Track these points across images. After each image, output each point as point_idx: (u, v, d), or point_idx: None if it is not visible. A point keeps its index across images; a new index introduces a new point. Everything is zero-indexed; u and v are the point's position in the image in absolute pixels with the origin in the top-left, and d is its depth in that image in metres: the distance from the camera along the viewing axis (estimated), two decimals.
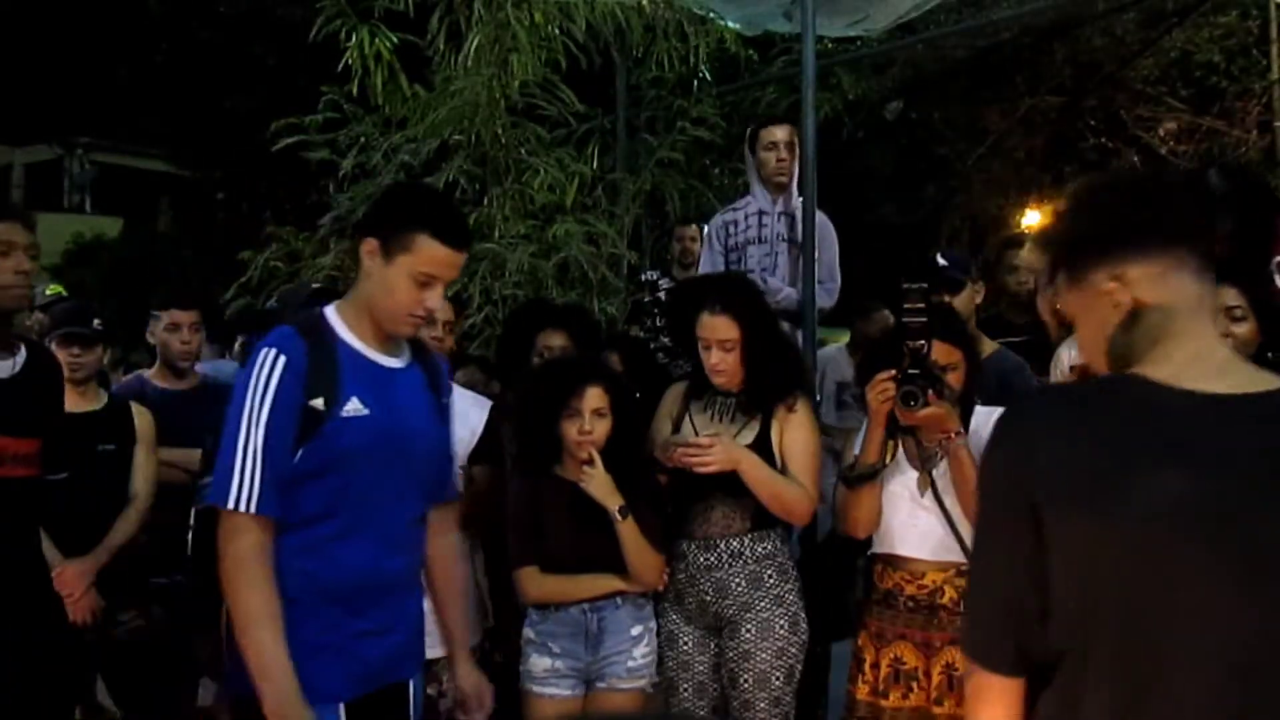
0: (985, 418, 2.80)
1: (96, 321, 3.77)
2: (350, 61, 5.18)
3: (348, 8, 5.21)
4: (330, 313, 2.27)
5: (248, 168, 13.05)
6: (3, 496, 2.72)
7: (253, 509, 2.10)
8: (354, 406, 2.17)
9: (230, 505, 2.10)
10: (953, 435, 2.71)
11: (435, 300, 2.23)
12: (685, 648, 3.01)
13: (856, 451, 2.90)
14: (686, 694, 3.01)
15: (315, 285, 3.10)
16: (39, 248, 2.80)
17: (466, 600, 2.59)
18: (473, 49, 5.00)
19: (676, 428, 3.09)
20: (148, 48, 15.52)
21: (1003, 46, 10.62)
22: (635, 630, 2.91)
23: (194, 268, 13.41)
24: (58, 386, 3.01)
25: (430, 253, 2.18)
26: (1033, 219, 12.47)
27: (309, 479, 2.15)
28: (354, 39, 5.17)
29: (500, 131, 5.09)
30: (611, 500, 2.82)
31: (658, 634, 3.05)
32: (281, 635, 2.08)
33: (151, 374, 4.12)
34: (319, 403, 2.13)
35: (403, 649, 2.32)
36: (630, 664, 2.88)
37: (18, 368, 2.80)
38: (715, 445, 2.87)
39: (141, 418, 3.71)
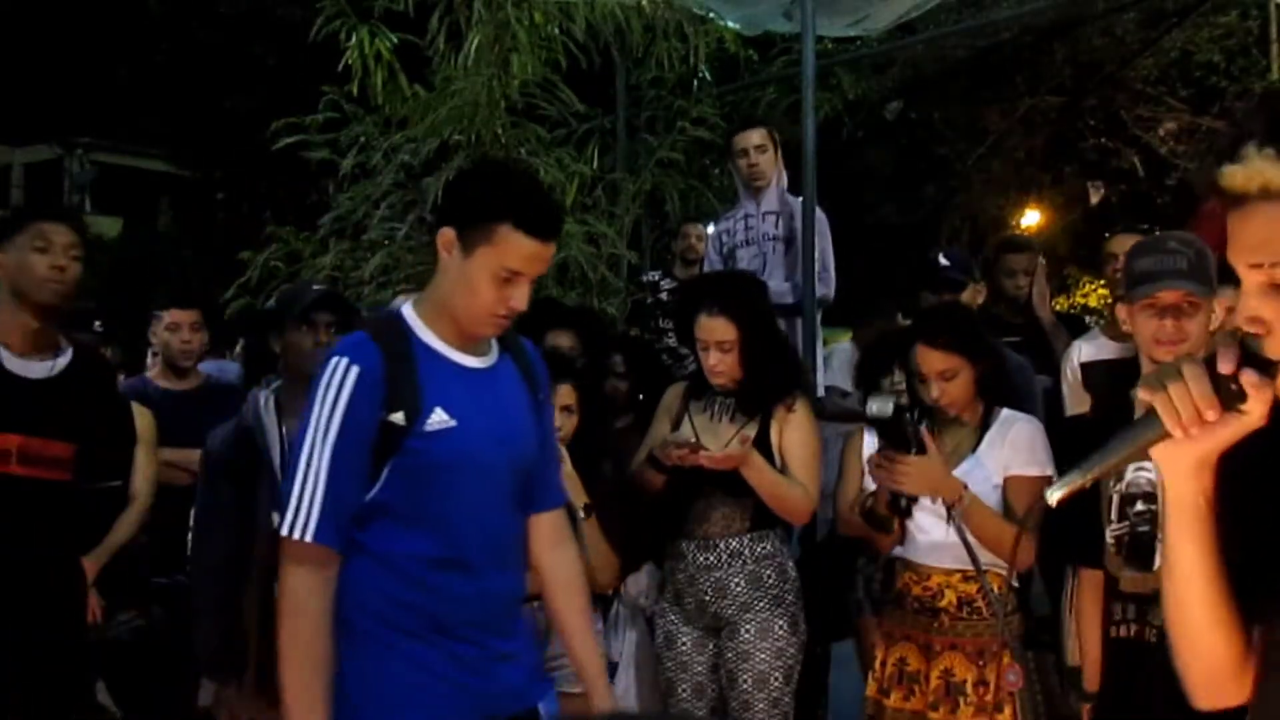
0: (1009, 424, 2.78)
1: (97, 324, 3.78)
2: (350, 61, 5.18)
3: (348, 8, 5.20)
4: (408, 311, 2.05)
5: (248, 168, 13.06)
6: (31, 499, 2.72)
7: (308, 537, 1.91)
8: (439, 419, 1.94)
9: (285, 532, 1.93)
10: (956, 503, 2.59)
11: (521, 299, 1.97)
12: (683, 648, 3.01)
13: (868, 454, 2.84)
14: (685, 694, 3.01)
15: (318, 287, 3.09)
16: (81, 248, 2.80)
17: (591, 620, 2.32)
18: (473, 49, 4.99)
19: (676, 427, 3.09)
20: (148, 48, 15.52)
21: (1003, 46, 10.62)
22: None
23: (194, 268, 13.41)
24: (105, 393, 2.99)
25: (516, 246, 1.93)
26: (1032, 219, 12.48)
27: (397, 501, 1.95)
28: (354, 39, 5.16)
29: (500, 131, 5.09)
30: (577, 498, 2.81)
31: (655, 634, 3.05)
32: (318, 679, 1.93)
33: (154, 374, 4.13)
34: (399, 417, 1.91)
35: (525, 674, 2.11)
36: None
37: (57, 369, 2.80)
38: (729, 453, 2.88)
39: (142, 418, 3.71)
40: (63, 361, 2.83)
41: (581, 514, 2.81)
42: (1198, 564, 1.13)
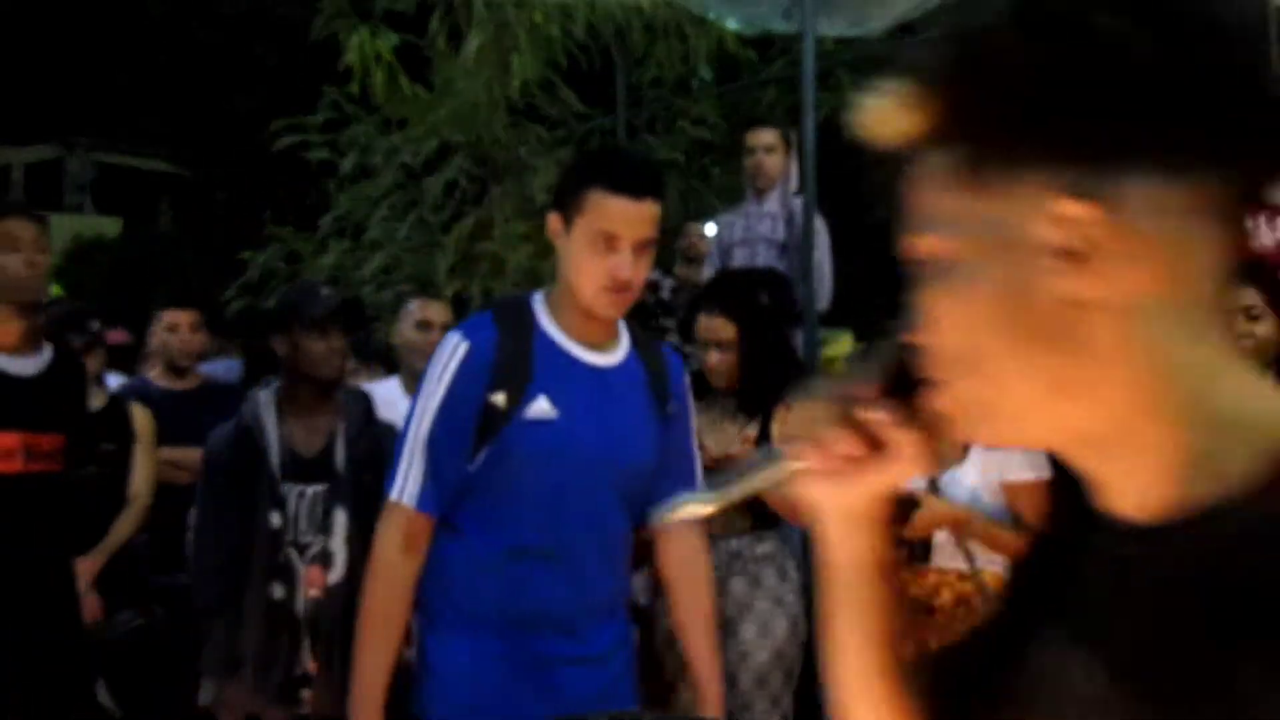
0: None
1: (95, 324, 3.78)
2: (350, 61, 5.19)
3: (348, 8, 5.21)
4: (538, 298, 2.04)
5: (248, 168, 13.06)
6: (28, 492, 2.78)
7: (410, 502, 1.92)
8: (540, 408, 1.92)
9: (393, 496, 1.94)
10: (964, 527, 2.56)
11: (625, 266, 1.90)
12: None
13: None
14: (685, 695, 3.01)
15: (325, 291, 3.09)
16: (47, 243, 2.84)
17: (714, 631, 2.28)
18: (473, 49, 5.00)
19: None
20: (148, 48, 15.53)
21: None
22: None
23: (194, 268, 13.41)
24: (81, 384, 3.07)
25: (605, 207, 1.88)
26: None
27: (489, 486, 1.94)
28: (354, 39, 5.17)
29: (500, 131, 5.10)
30: None
31: (656, 634, 3.04)
32: (388, 650, 1.94)
33: (154, 374, 4.13)
34: (500, 399, 1.90)
35: (600, 685, 2.03)
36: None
37: (44, 366, 2.87)
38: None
39: (141, 417, 3.71)
40: (46, 358, 2.90)
41: None
42: (851, 636, 0.85)
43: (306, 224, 5.68)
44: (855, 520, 0.81)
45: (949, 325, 0.65)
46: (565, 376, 1.96)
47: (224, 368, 4.73)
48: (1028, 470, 2.73)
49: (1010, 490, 2.71)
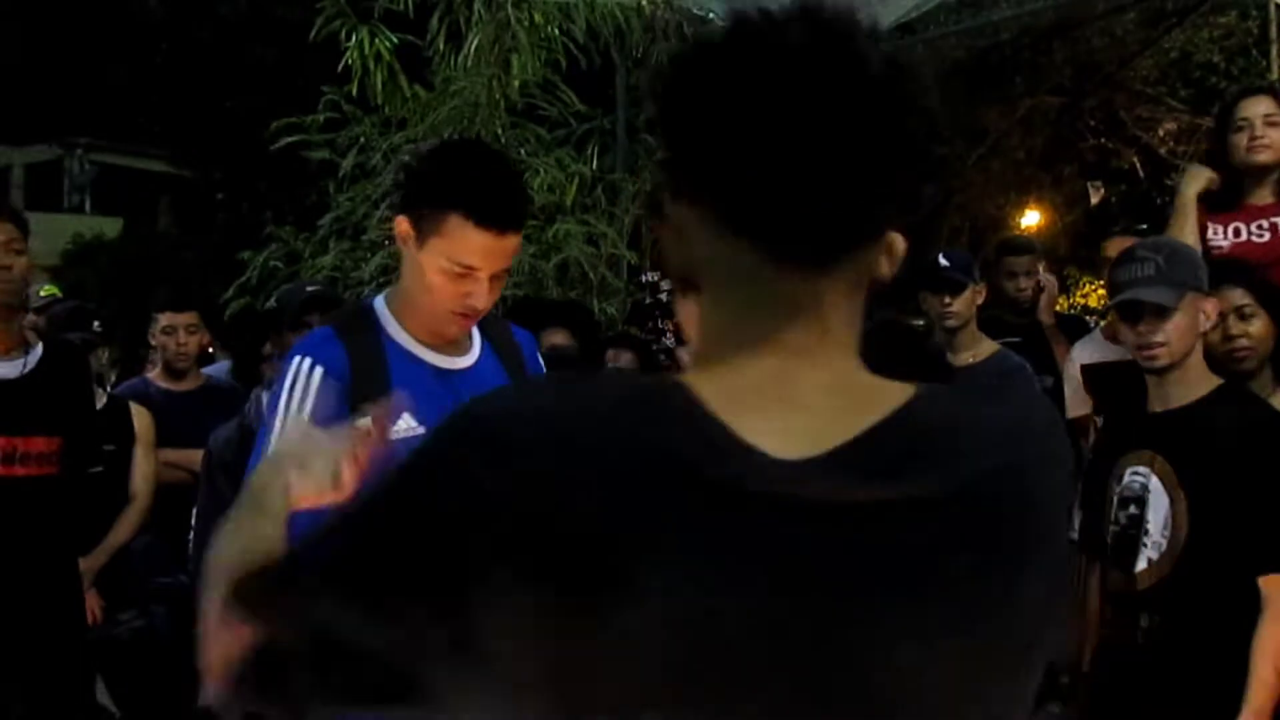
0: None
1: (95, 324, 3.78)
2: (350, 61, 5.18)
3: (348, 8, 5.21)
4: (379, 304, 1.90)
5: (248, 168, 13.05)
6: (16, 496, 2.74)
7: None
8: (405, 425, 1.73)
9: None
10: None
11: (481, 295, 1.80)
12: None
13: None
14: None
15: (311, 288, 3.08)
16: (24, 241, 2.75)
17: None
18: (473, 49, 5.00)
19: None
20: (148, 48, 15.53)
21: (1002, 47, 10.61)
22: None
23: (194, 268, 13.40)
24: (81, 382, 3.01)
25: (466, 238, 1.75)
26: (1032, 219, 12.48)
27: None
28: (354, 39, 5.17)
29: (500, 132, 5.09)
30: None
31: None
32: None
33: (154, 375, 4.13)
34: (365, 422, 1.82)
35: None
36: None
37: (29, 367, 2.81)
38: None
39: (140, 418, 3.71)
40: (33, 359, 2.83)
41: None
42: None
43: (306, 224, 5.67)
44: None
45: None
46: (423, 387, 1.79)
47: (221, 368, 4.72)
48: None
49: None
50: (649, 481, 0.70)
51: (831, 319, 0.78)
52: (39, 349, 2.86)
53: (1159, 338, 2.25)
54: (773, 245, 0.75)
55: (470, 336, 1.95)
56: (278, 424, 1.76)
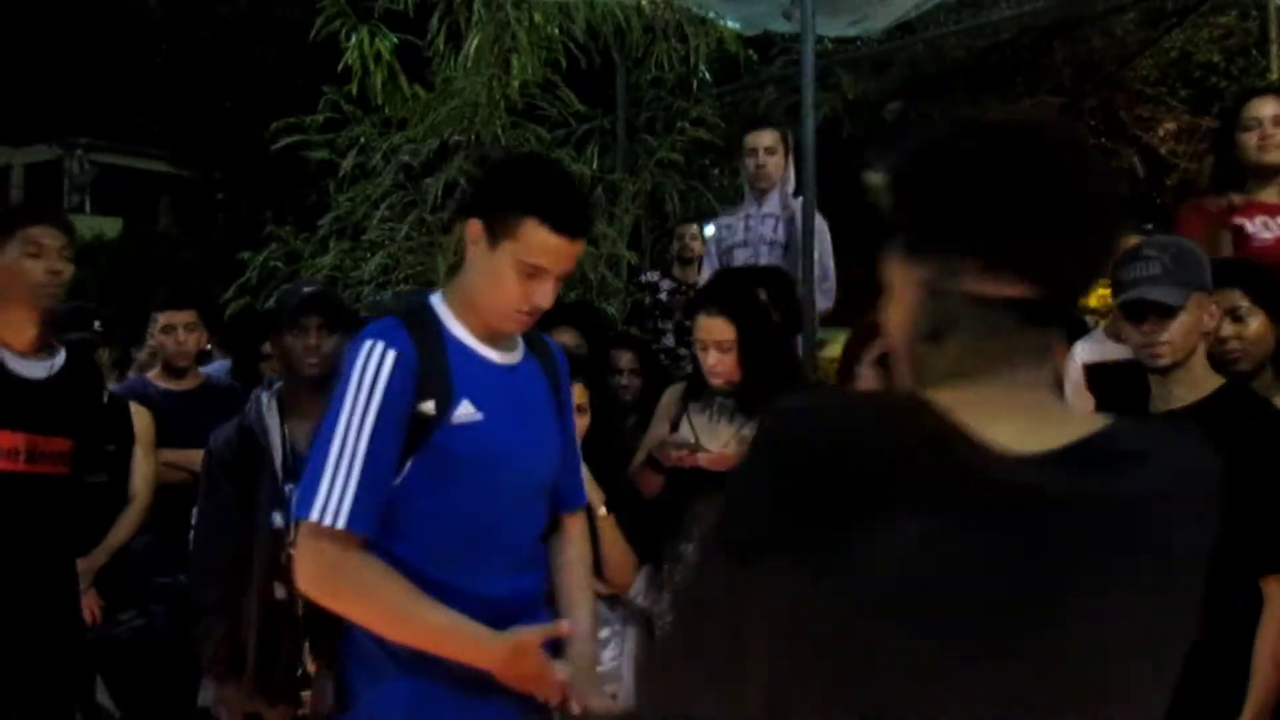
0: None
1: (96, 324, 3.79)
2: (350, 61, 5.18)
3: (348, 8, 5.20)
4: (437, 301, 2.01)
5: (248, 168, 13.06)
6: (35, 493, 2.81)
7: (340, 523, 1.78)
8: (466, 411, 1.88)
9: (314, 517, 1.78)
10: None
11: (545, 296, 1.92)
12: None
13: None
14: None
15: (309, 288, 3.08)
16: (72, 248, 2.85)
17: (592, 610, 2.26)
18: (473, 49, 5.00)
19: (674, 428, 3.09)
20: (148, 48, 15.53)
21: (1003, 46, 10.61)
22: (603, 633, 2.85)
23: (194, 268, 13.41)
24: (96, 390, 3.10)
25: (538, 240, 1.87)
26: None
27: (420, 496, 1.88)
28: (354, 39, 5.16)
29: (500, 132, 5.09)
30: (593, 496, 2.80)
31: (655, 635, 3.04)
32: (434, 608, 1.81)
33: (153, 375, 4.13)
34: (429, 406, 1.85)
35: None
36: (598, 669, 2.85)
37: (55, 369, 2.89)
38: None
39: (140, 418, 3.72)
40: (59, 361, 2.93)
41: (602, 510, 2.79)
42: None
43: (306, 224, 5.67)
44: None
45: (889, 330, 1.10)
46: (480, 378, 1.94)
47: (219, 368, 4.73)
48: None
49: None
50: (920, 462, 0.92)
51: (1048, 363, 1.02)
52: (62, 353, 2.95)
53: (1163, 337, 2.25)
54: (1043, 312, 1.00)
55: (515, 338, 2.05)
56: (348, 403, 1.83)
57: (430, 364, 1.88)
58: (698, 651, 1.01)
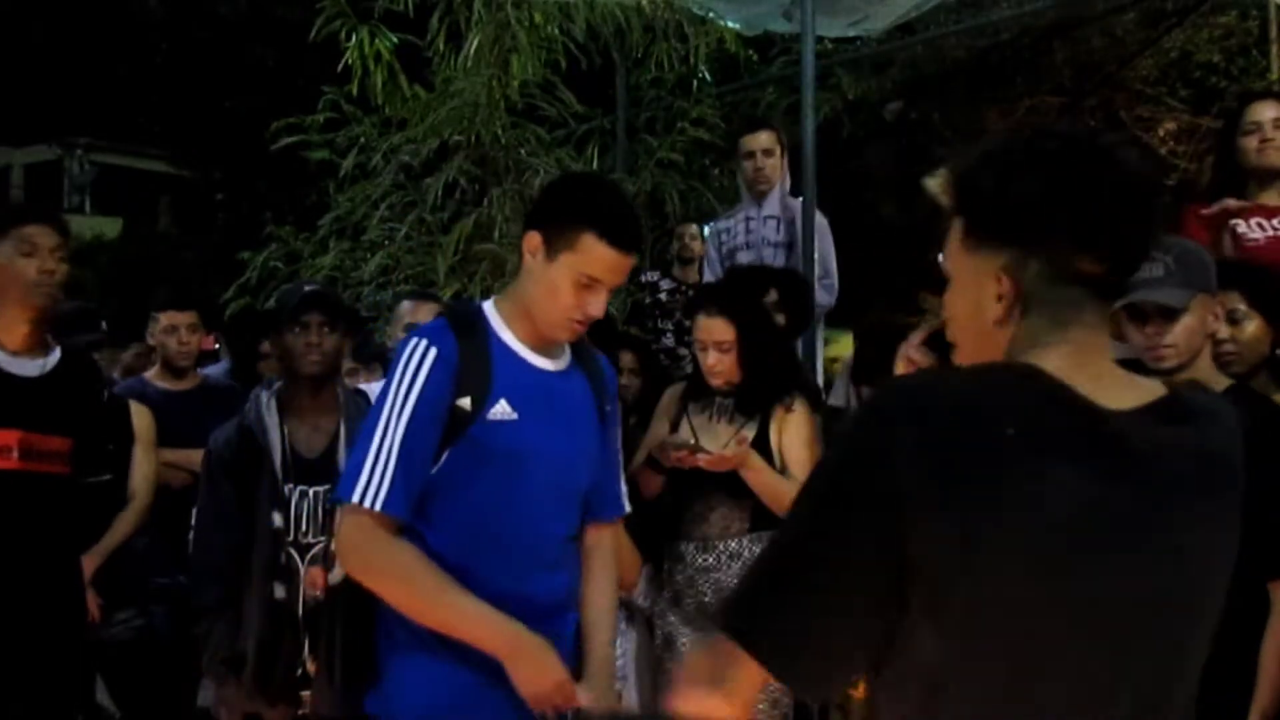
0: None
1: (103, 324, 3.79)
2: (350, 61, 5.18)
3: (348, 8, 5.21)
4: (488, 307, 2.11)
5: (248, 168, 13.05)
6: (32, 493, 2.80)
7: (378, 506, 1.90)
8: (502, 409, 1.99)
9: (355, 499, 1.90)
10: None
11: (598, 306, 2.03)
12: (683, 649, 3.01)
13: None
14: None
15: (309, 287, 3.08)
16: (66, 247, 2.86)
17: (614, 630, 2.32)
18: (473, 49, 5.00)
19: (674, 428, 3.09)
20: (148, 48, 15.53)
21: (1003, 46, 10.61)
22: None
23: (194, 268, 13.41)
24: (94, 390, 3.10)
25: (596, 254, 1.98)
26: None
27: (455, 487, 1.97)
28: (354, 39, 5.17)
29: (500, 132, 5.09)
30: None
31: (655, 636, 3.05)
32: (466, 596, 1.91)
33: (152, 375, 4.13)
34: (466, 402, 1.96)
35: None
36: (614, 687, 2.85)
37: (48, 368, 2.89)
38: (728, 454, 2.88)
39: (140, 418, 3.71)
40: (53, 360, 2.93)
41: None
42: None
43: (306, 224, 5.67)
44: None
45: (952, 318, 1.27)
46: (522, 381, 2.03)
47: (219, 369, 4.72)
48: None
49: None
50: (1047, 419, 1.10)
51: (1107, 331, 1.21)
52: (57, 352, 2.95)
53: (1167, 340, 2.23)
54: (1107, 288, 1.18)
55: (563, 348, 2.15)
56: (390, 396, 1.95)
57: (471, 363, 1.99)
58: (815, 591, 1.12)
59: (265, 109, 6.87)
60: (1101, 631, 1.10)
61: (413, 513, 1.95)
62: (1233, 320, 2.51)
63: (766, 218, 4.38)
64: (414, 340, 1.99)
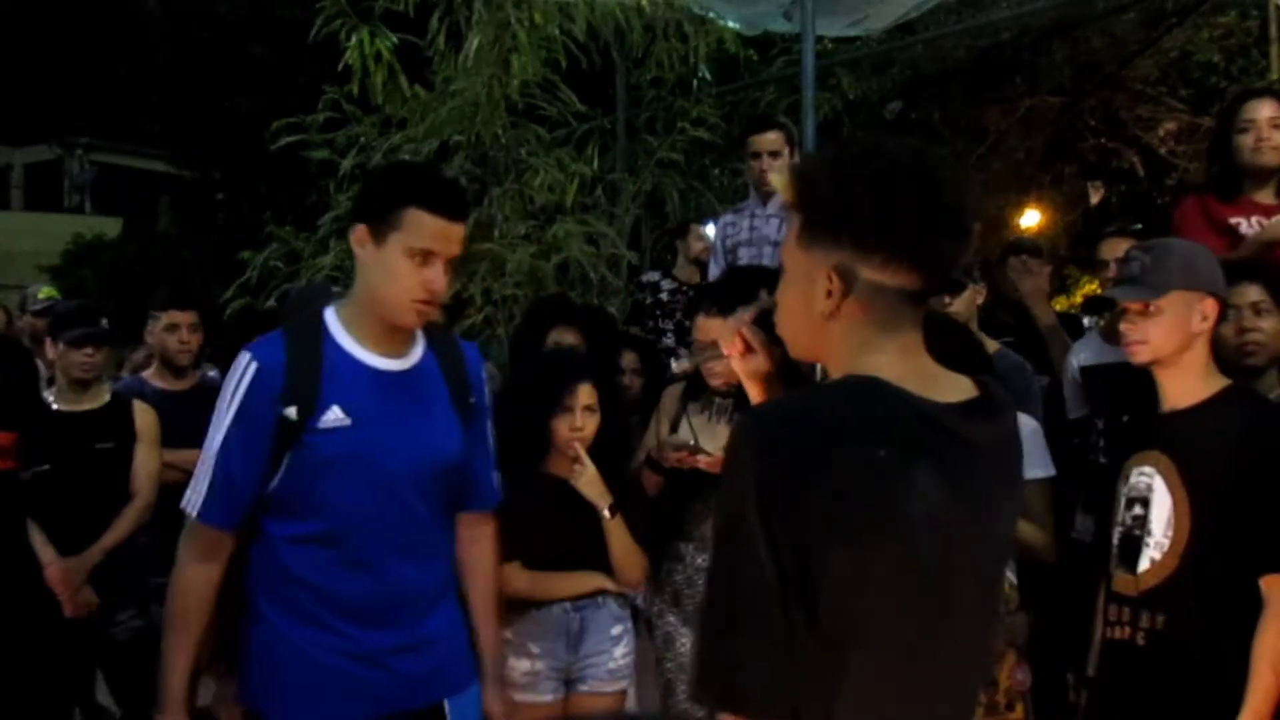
0: None
1: (104, 320, 3.79)
2: (350, 61, 5.18)
3: (348, 8, 5.20)
4: (329, 314, 2.12)
5: (248, 168, 13.06)
6: None
7: (194, 514, 2.04)
8: (334, 416, 2.02)
9: (183, 504, 2.06)
10: None
11: (439, 280, 2.04)
12: (682, 649, 3.01)
13: None
14: (683, 695, 3.01)
15: (336, 289, 3.07)
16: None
17: (499, 618, 2.44)
18: (473, 49, 5.00)
19: (674, 429, 3.09)
20: (148, 48, 15.52)
21: (1003, 46, 10.61)
22: (615, 630, 2.87)
23: (194, 268, 13.40)
24: (30, 377, 3.04)
25: (421, 225, 2.01)
26: (1032, 219, 12.48)
27: (293, 492, 2.04)
28: (354, 39, 5.17)
29: (500, 132, 5.09)
30: (602, 498, 2.79)
31: (654, 636, 3.05)
32: (187, 651, 2.14)
33: (150, 374, 4.12)
34: (292, 412, 2.00)
35: (429, 667, 2.14)
36: (611, 665, 2.85)
37: None
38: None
39: (144, 416, 3.71)
40: None
41: (606, 514, 2.79)
42: None
43: (306, 224, 5.67)
44: (749, 380, 1.72)
45: (782, 305, 1.38)
46: (356, 385, 2.06)
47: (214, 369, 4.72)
48: (1036, 468, 2.76)
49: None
50: (902, 430, 1.23)
51: (921, 331, 1.33)
52: None
53: (1137, 336, 2.27)
54: (922, 294, 1.31)
55: (415, 342, 2.17)
56: (217, 409, 2.05)
57: (299, 373, 2.03)
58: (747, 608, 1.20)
59: (265, 109, 6.87)
60: (959, 603, 1.28)
61: (233, 519, 2.05)
62: (1257, 312, 2.53)
63: (770, 216, 4.38)
64: (241, 354, 2.05)
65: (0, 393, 2.84)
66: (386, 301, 2.06)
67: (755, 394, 1.71)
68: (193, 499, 2.04)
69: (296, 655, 2.06)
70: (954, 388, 1.32)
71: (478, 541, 2.35)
